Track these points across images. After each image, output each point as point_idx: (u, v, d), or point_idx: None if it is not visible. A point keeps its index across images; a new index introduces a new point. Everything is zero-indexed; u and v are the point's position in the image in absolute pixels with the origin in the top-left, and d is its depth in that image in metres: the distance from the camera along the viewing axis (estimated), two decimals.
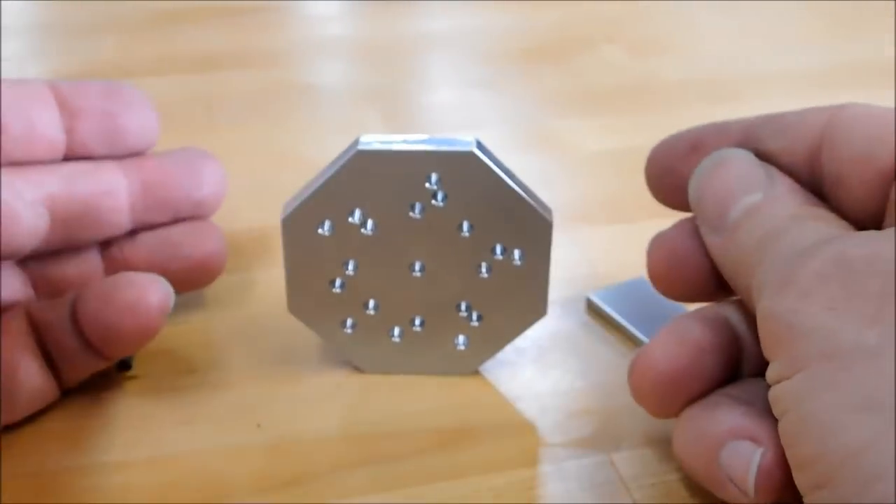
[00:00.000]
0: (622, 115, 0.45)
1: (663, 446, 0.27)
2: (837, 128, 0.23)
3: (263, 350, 0.30)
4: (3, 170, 0.27)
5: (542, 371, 0.29)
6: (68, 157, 0.29)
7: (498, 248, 0.27)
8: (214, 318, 0.31)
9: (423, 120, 0.46)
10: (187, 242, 0.30)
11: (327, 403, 0.28)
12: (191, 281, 0.30)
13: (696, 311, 0.25)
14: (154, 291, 0.26)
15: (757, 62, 0.51)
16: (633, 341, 0.30)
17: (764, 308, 0.21)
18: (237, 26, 0.55)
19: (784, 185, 0.23)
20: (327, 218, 0.26)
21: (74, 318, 0.27)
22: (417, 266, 0.27)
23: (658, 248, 0.25)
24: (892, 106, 0.23)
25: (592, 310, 0.31)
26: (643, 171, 0.26)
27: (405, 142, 0.25)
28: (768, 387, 0.20)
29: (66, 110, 0.29)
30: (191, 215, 0.31)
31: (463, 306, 0.28)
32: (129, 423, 0.27)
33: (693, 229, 0.25)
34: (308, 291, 0.27)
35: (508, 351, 0.29)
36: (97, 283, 0.27)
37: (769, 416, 0.21)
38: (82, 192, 0.29)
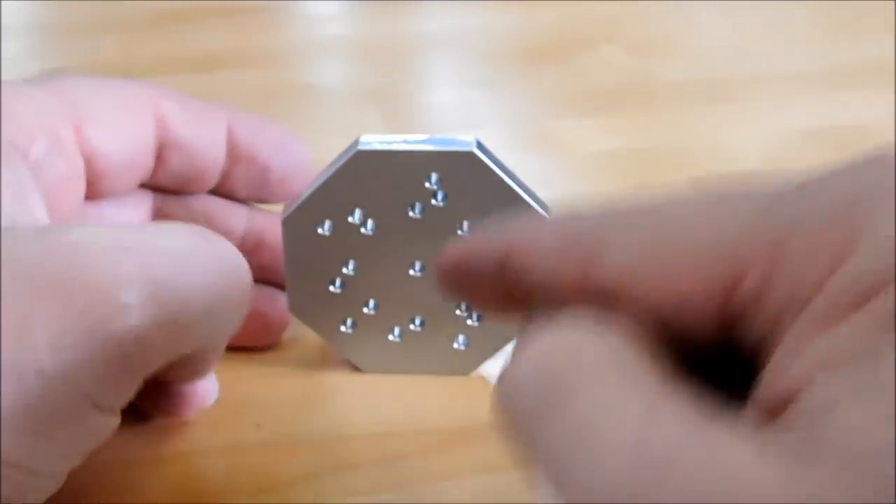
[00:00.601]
0: (622, 115, 0.45)
1: None
2: None
3: (263, 350, 0.30)
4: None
5: None
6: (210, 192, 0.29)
7: None
8: None
9: (423, 120, 0.46)
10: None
11: (327, 403, 0.28)
12: (250, 340, 0.29)
13: None
14: (206, 392, 0.27)
15: (757, 62, 0.51)
16: None
17: None
18: (237, 26, 0.55)
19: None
20: (327, 218, 0.26)
21: None
22: (417, 266, 0.27)
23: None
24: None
25: None
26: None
27: (405, 142, 0.25)
28: None
29: (232, 152, 0.28)
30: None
31: (462, 306, 0.28)
32: (128, 422, 0.27)
33: None
34: (308, 291, 0.27)
35: (508, 351, 0.29)
36: None
37: None
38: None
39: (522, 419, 0.15)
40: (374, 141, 0.25)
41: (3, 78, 0.27)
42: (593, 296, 0.17)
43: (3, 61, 0.51)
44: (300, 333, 0.29)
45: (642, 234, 0.16)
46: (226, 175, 0.28)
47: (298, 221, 0.26)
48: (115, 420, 0.21)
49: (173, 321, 0.20)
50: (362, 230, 0.26)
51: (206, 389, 0.27)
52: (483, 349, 0.28)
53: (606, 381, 0.15)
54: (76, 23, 0.56)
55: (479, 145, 0.26)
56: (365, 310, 0.28)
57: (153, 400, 0.27)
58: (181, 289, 0.20)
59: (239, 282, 0.22)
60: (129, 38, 0.53)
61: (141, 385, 0.21)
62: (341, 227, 0.26)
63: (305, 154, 0.29)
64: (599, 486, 0.14)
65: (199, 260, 0.21)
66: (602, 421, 0.14)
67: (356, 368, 0.29)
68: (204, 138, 0.27)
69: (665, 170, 0.40)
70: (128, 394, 0.20)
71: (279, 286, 0.29)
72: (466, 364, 0.29)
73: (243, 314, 0.23)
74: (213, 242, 0.22)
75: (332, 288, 0.27)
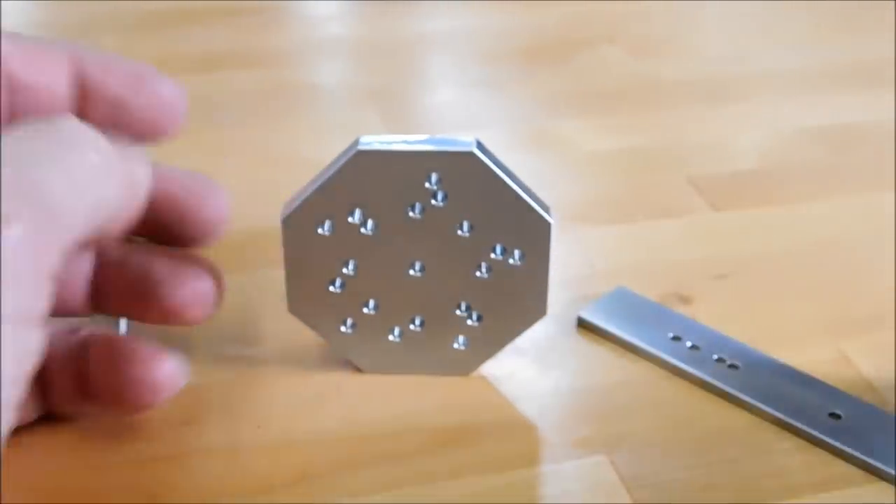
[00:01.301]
0: (622, 115, 0.45)
1: (663, 446, 0.27)
2: None
3: (263, 350, 0.30)
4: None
5: (542, 371, 0.29)
6: None
7: (498, 249, 0.27)
8: (213, 318, 0.31)
9: (423, 120, 0.46)
10: (169, 282, 0.27)
11: (327, 403, 0.28)
12: (167, 321, 0.27)
13: None
14: (166, 368, 0.25)
15: (757, 62, 0.51)
16: (631, 350, 0.30)
17: None
18: (237, 26, 0.55)
19: None
20: (327, 218, 0.26)
21: (78, 371, 0.26)
22: (417, 266, 0.27)
23: None
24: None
25: (584, 326, 0.31)
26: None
27: (405, 142, 0.25)
28: None
29: (81, 90, 0.26)
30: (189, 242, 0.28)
31: (462, 306, 0.28)
32: (128, 422, 0.27)
33: None
34: (308, 291, 0.27)
35: (508, 351, 0.29)
36: (107, 347, 0.26)
37: None
38: None
39: None
40: (374, 141, 0.25)
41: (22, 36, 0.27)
42: None
43: None
44: (300, 333, 0.29)
45: None
46: (80, 115, 0.26)
47: (298, 221, 0.26)
48: (41, 333, 0.20)
49: (45, 203, 0.20)
50: (362, 230, 0.26)
51: (167, 371, 0.25)
52: (483, 349, 0.28)
53: None
54: (76, 23, 0.56)
55: (479, 145, 0.26)
56: (365, 310, 0.28)
57: (109, 392, 0.26)
58: (35, 169, 0.21)
59: (99, 153, 0.22)
60: (129, 38, 0.53)
61: (55, 288, 0.20)
62: (341, 227, 0.26)
63: (169, 89, 0.27)
64: None
65: (49, 135, 0.22)
66: None
67: (356, 368, 0.29)
68: (42, 75, 0.26)
69: (665, 170, 0.40)
70: (40, 295, 0.20)
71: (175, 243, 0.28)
72: (466, 364, 0.29)
73: (119, 186, 0.23)
74: (65, 122, 0.23)
75: (331, 288, 0.27)
